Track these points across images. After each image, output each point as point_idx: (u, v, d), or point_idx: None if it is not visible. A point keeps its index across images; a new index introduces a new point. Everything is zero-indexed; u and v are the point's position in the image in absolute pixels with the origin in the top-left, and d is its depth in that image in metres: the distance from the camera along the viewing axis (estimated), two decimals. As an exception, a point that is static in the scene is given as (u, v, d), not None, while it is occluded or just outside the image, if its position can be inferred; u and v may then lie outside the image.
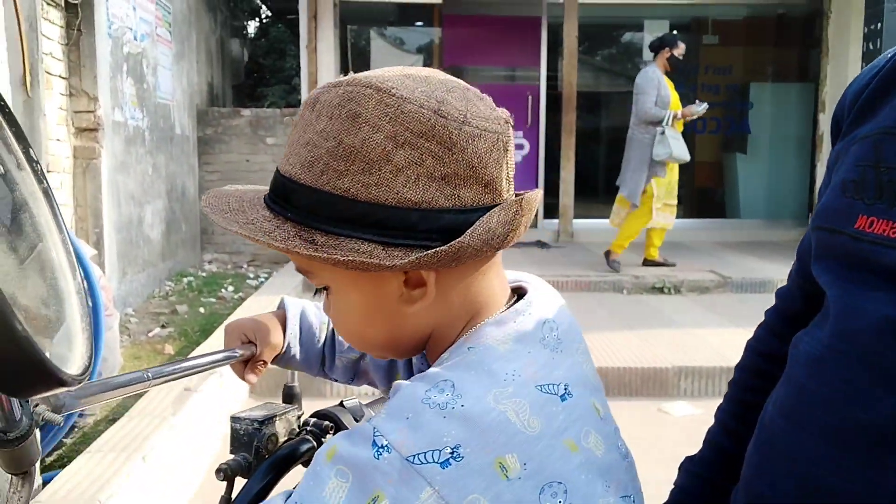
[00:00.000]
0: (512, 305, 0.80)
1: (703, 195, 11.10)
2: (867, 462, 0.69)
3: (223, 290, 7.13)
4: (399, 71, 0.76)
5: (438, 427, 0.67)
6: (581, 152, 9.36)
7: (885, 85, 0.81)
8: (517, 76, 10.00)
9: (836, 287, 0.78)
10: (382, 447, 0.66)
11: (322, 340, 1.08)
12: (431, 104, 0.71)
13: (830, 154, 0.88)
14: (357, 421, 1.09)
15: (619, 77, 11.89)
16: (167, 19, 7.49)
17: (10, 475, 0.53)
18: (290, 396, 1.10)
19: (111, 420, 3.55)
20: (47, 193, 0.50)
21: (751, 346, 1.02)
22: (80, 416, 3.46)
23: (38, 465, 0.53)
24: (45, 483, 2.66)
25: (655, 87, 6.77)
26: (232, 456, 1.01)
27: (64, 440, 3.50)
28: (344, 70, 10.57)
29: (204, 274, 8.05)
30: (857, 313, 0.75)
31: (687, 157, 6.91)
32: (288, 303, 1.10)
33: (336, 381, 1.14)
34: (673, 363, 4.43)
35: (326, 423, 1.06)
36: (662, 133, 6.74)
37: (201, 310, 6.33)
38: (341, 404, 1.09)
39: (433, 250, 0.71)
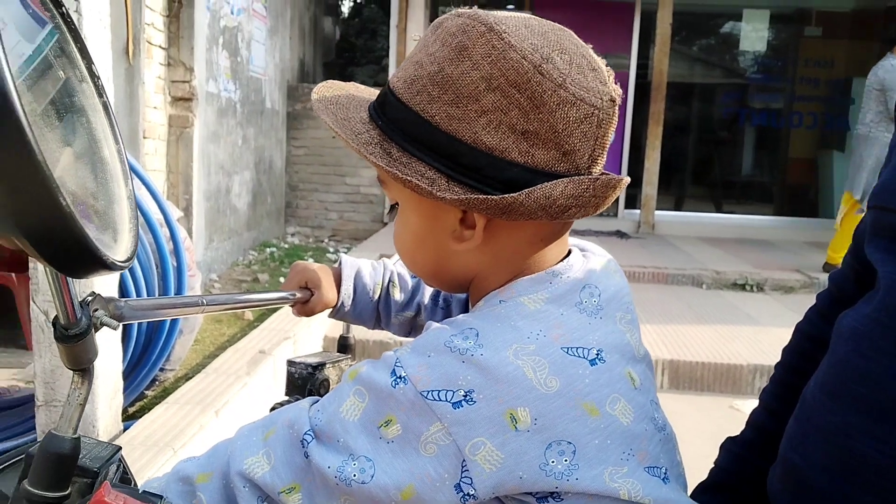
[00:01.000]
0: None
1: (795, 192, 10.71)
2: None
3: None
4: (522, 18, 0.76)
5: (455, 370, 0.69)
6: (668, 143, 9.16)
7: None
8: (606, 62, 9.82)
9: (887, 263, 0.77)
10: (400, 378, 0.70)
11: (376, 299, 1.10)
12: (535, 59, 0.71)
13: (893, 137, 0.85)
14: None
15: (715, 68, 11.55)
16: (263, -5, 7.69)
17: (71, 371, 0.58)
18: (344, 346, 1.15)
19: (190, 377, 3.72)
20: (106, 107, 0.54)
21: (799, 329, 1.00)
22: (161, 370, 3.63)
23: (95, 364, 0.58)
24: (126, 430, 2.81)
25: None
26: (287, 398, 1.06)
27: (146, 392, 3.68)
28: (432, 51, 10.66)
29: (286, 245, 8.28)
30: None
31: None
32: (344, 262, 1.13)
33: (395, 335, 1.17)
34: (748, 360, 4.31)
35: (377, 373, 1.10)
36: None
37: (281, 279, 6.53)
38: (393, 356, 1.12)
39: (486, 196, 0.72)
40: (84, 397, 0.59)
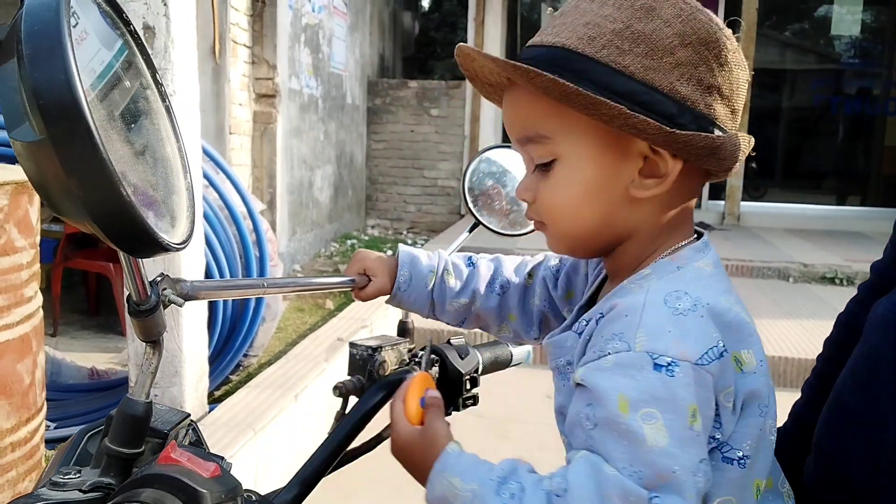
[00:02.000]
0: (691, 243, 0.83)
1: (891, 182, 10.22)
2: None
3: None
4: None
5: (705, 328, 0.71)
6: (755, 132, 8.88)
7: None
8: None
9: None
10: (668, 365, 0.68)
11: (431, 286, 1.14)
12: (717, 22, 0.79)
13: None
14: (462, 358, 1.17)
15: (807, 53, 11.13)
16: (344, -8, 7.85)
17: (144, 343, 0.66)
18: (403, 331, 1.20)
19: (272, 363, 3.87)
20: (168, 110, 0.62)
21: (839, 320, 1.00)
22: (245, 356, 3.79)
23: (164, 336, 0.65)
24: (211, 411, 2.97)
25: None
26: (349, 377, 1.13)
27: (230, 377, 3.86)
28: (510, 43, 10.63)
29: (366, 238, 8.45)
30: None
31: None
32: (402, 251, 1.17)
33: (448, 323, 1.20)
34: (833, 355, 4.18)
35: (433, 356, 1.15)
36: None
37: (361, 270, 6.67)
38: (448, 342, 1.17)
39: (710, 135, 0.76)
40: (155, 366, 0.66)
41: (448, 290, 1.13)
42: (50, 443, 2.49)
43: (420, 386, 0.82)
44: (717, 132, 0.78)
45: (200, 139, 2.92)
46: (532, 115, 0.81)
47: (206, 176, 3.31)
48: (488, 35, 8.92)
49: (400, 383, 1.11)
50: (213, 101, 5.13)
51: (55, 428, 3.05)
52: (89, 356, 4.06)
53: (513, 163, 1.28)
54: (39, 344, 2.20)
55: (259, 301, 3.57)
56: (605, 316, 0.75)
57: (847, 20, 10.35)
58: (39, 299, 2.22)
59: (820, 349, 1.01)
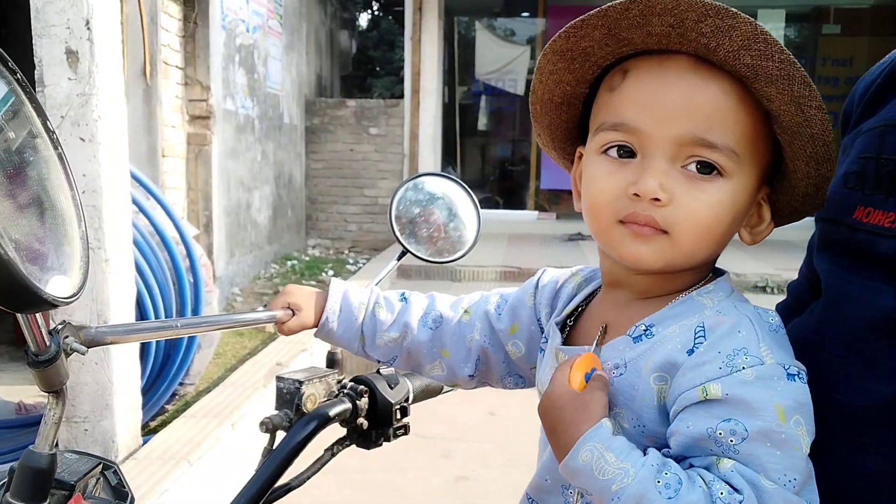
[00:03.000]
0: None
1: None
2: (847, 444, 0.71)
3: (324, 273, 7.40)
4: None
5: (788, 342, 0.75)
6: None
7: (891, 80, 0.81)
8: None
9: (830, 276, 0.79)
10: (798, 373, 0.71)
11: (361, 319, 1.11)
12: None
13: (843, 138, 0.88)
14: (392, 387, 1.16)
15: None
16: (278, 11, 7.80)
17: (46, 394, 0.63)
18: (332, 362, 1.19)
19: (209, 390, 3.79)
20: (61, 157, 0.60)
21: None
22: (181, 384, 3.70)
23: (66, 385, 0.63)
24: (145, 443, 2.89)
25: None
26: (276, 412, 1.11)
27: (166, 407, 3.76)
28: (448, 61, 10.71)
29: (307, 258, 8.37)
30: (847, 301, 0.76)
31: None
32: (334, 282, 1.14)
33: (378, 361, 1.17)
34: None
35: (362, 387, 1.14)
36: None
37: (301, 292, 6.60)
38: (378, 371, 1.16)
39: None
40: (59, 416, 0.64)
41: (379, 323, 1.11)
42: (-28, 484, 2.39)
43: (588, 363, 0.77)
44: None
45: (129, 164, 2.85)
46: (731, 126, 0.73)
47: (135, 202, 3.23)
48: (425, 52, 8.97)
49: (329, 416, 1.10)
50: (145, 123, 5.03)
51: (-21, 467, 2.92)
52: (17, 389, 3.91)
53: (440, 190, 1.29)
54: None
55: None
56: (708, 331, 0.73)
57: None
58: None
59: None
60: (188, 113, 5.79)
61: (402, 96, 9.43)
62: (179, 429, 2.94)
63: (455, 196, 1.29)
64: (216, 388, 3.48)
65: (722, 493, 0.66)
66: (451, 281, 6.60)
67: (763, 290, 6.38)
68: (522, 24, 11.96)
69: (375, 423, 1.15)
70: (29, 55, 2.46)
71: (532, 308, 1.01)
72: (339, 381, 1.16)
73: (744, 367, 0.69)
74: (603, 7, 0.74)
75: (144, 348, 3.19)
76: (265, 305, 6.06)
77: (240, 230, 6.81)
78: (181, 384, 3.68)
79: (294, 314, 1.09)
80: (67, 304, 0.55)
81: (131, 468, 2.58)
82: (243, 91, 6.78)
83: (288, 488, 1.06)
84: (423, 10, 8.86)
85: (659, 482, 0.67)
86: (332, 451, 1.13)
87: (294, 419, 1.09)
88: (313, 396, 1.11)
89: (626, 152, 0.76)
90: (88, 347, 0.65)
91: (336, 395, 1.13)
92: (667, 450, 0.73)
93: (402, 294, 1.12)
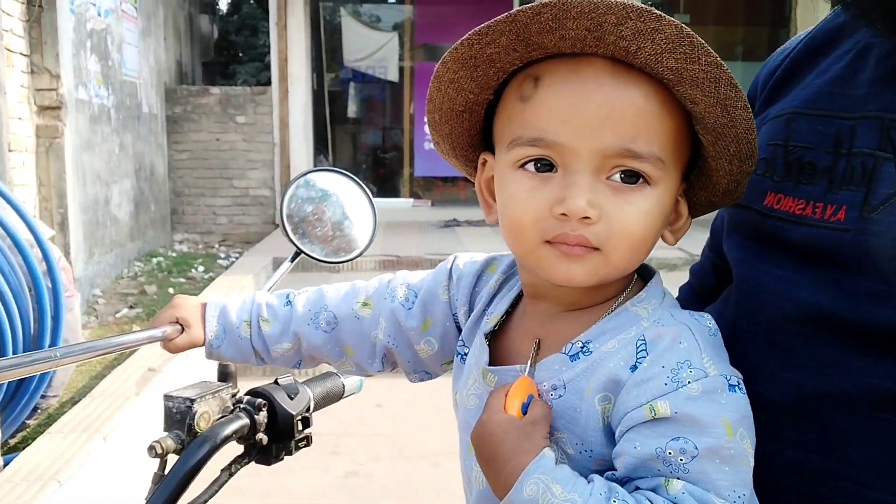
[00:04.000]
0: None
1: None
2: (766, 436, 0.71)
3: (193, 269, 7.09)
4: None
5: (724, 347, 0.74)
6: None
7: (795, 66, 0.83)
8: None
9: (742, 264, 0.80)
10: (738, 384, 0.69)
11: (248, 337, 1.03)
12: None
13: None
14: (292, 398, 1.10)
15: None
16: (132, -5, 7.37)
17: None
18: (224, 375, 1.10)
19: (76, 401, 3.54)
20: None
21: None
22: (43, 397, 3.44)
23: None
24: (6, 465, 2.65)
25: None
26: (165, 434, 1.02)
27: (27, 422, 3.48)
28: (315, 48, 10.48)
29: (174, 254, 7.99)
30: (762, 293, 0.77)
31: None
32: (209, 303, 1.05)
33: (285, 367, 1.10)
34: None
35: (260, 400, 1.06)
36: None
37: (171, 290, 6.30)
38: (276, 382, 1.09)
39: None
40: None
41: (267, 337, 1.03)
42: None
43: (525, 389, 0.72)
44: None
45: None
46: (655, 133, 0.70)
47: (-19, 202, 2.96)
48: (292, 38, 8.73)
49: (225, 434, 1.02)
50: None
51: None
52: None
53: (333, 186, 1.23)
54: None
55: (56, 331, 3.24)
56: (650, 345, 0.70)
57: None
58: None
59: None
60: (36, 103, 5.36)
61: (268, 83, 9.15)
62: (45, 445, 2.72)
63: (348, 192, 1.24)
64: (83, 400, 3.25)
65: None
66: (329, 273, 6.48)
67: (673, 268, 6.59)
68: (388, 10, 11.88)
69: (276, 437, 1.08)
70: None
71: (447, 303, 0.95)
72: (234, 396, 1.07)
73: (689, 382, 0.67)
74: (511, 12, 0.69)
75: (-1, 362, 2.93)
76: (131, 307, 5.76)
77: (99, 228, 6.40)
78: (43, 396, 3.42)
79: (183, 330, 1.00)
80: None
81: (-9, 494, 2.36)
82: (97, 79, 6.36)
83: (184, 517, 0.98)
84: (287, -6, 8.62)
85: None
86: (229, 471, 1.05)
87: (186, 440, 1.00)
88: (207, 414, 1.02)
89: (545, 165, 0.72)
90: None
91: (232, 411, 1.05)
92: (611, 472, 0.70)
93: (287, 297, 1.04)
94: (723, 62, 0.68)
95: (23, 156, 5.20)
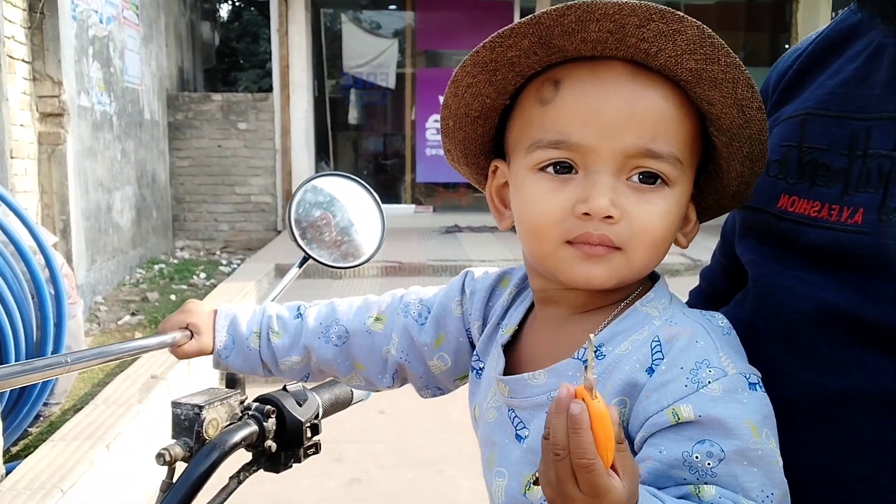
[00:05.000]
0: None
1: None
2: (786, 437, 0.70)
3: (195, 276, 7.08)
4: None
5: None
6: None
7: (807, 66, 0.82)
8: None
9: (758, 266, 0.79)
10: (758, 382, 0.69)
11: (257, 348, 1.03)
12: None
13: None
14: (301, 404, 1.09)
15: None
16: (134, 2, 7.37)
17: None
18: (232, 381, 1.09)
19: (78, 409, 3.52)
20: None
21: None
22: (45, 404, 3.42)
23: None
24: (9, 473, 2.64)
25: None
26: (174, 441, 1.01)
27: (29, 430, 3.46)
28: (316, 54, 10.49)
29: (176, 261, 7.98)
30: (778, 293, 0.76)
31: None
32: (220, 312, 1.04)
33: (293, 380, 1.09)
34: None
35: (268, 407, 1.05)
36: None
37: (172, 297, 6.29)
38: (284, 388, 1.08)
39: None
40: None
41: (276, 349, 1.02)
42: None
43: (608, 422, 0.57)
44: None
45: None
46: (673, 133, 0.71)
47: (-16, 209, 2.95)
48: (293, 45, 8.74)
49: (234, 441, 1.01)
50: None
51: None
52: None
53: (340, 191, 1.22)
54: None
55: (58, 338, 3.23)
56: (665, 345, 0.69)
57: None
58: None
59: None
60: (38, 110, 5.36)
61: (269, 90, 9.15)
62: (48, 453, 2.70)
63: (356, 196, 1.23)
64: (86, 407, 3.23)
65: None
66: (331, 279, 6.47)
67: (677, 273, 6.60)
68: (389, 16, 11.89)
69: (285, 444, 1.07)
70: None
71: (460, 318, 0.94)
72: (243, 402, 1.07)
73: (709, 382, 0.66)
74: (535, 14, 0.69)
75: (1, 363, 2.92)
76: (133, 314, 5.74)
77: (100, 235, 6.40)
78: (45, 404, 3.40)
79: (193, 336, 0.99)
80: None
81: (-6, 502, 2.35)
82: (99, 86, 6.36)
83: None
84: (289, 1, 8.63)
85: None
86: (238, 479, 1.04)
87: (195, 448, 0.99)
88: (215, 421, 1.01)
89: (564, 168, 0.72)
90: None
91: (240, 418, 1.04)
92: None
93: (298, 309, 1.04)
94: (741, 63, 0.68)
95: (25, 163, 5.20)
